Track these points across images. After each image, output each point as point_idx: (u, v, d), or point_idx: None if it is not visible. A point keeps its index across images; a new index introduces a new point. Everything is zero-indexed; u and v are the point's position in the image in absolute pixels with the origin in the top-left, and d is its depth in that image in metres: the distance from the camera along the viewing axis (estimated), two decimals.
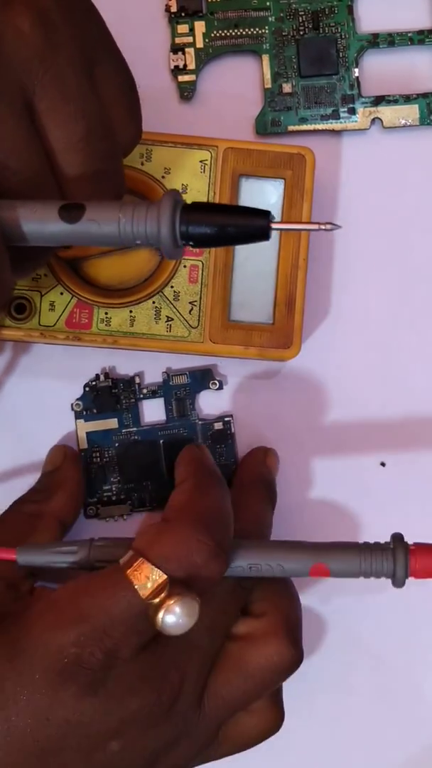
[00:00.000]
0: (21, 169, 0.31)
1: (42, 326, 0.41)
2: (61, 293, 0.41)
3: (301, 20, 0.44)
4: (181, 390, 0.43)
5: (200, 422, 0.43)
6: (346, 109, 0.44)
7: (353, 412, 0.44)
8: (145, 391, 0.43)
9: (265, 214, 0.29)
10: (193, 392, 0.43)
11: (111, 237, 0.30)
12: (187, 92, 0.44)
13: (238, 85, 0.44)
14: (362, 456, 0.44)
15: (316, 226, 0.30)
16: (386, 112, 0.44)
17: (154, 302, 0.41)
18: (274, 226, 0.30)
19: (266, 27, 0.44)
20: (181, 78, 0.44)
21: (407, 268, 0.45)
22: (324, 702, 0.44)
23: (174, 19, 0.43)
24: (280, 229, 0.30)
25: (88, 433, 0.43)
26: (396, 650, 0.44)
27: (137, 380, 0.43)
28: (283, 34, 0.44)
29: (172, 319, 0.41)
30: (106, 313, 0.41)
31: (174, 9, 0.43)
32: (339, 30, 0.44)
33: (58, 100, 0.31)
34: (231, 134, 0.42)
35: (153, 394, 0.43)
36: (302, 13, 0.44)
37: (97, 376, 0.43)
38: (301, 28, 0.44)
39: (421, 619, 0.44)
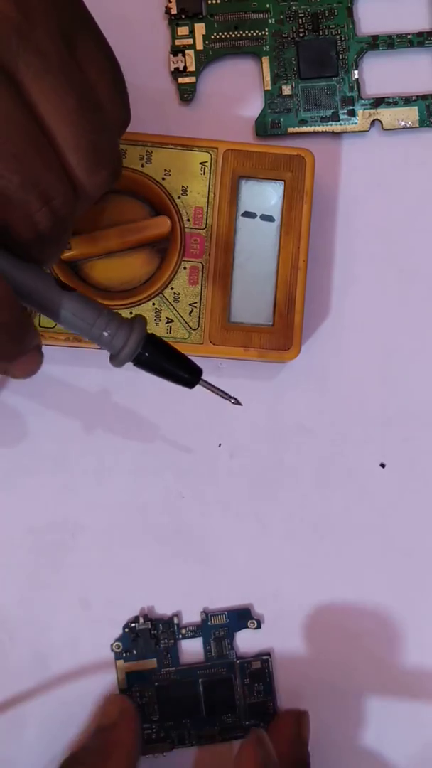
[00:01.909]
0: (14, 135, 0.30)
1: (42, 328, 0.41)
2: None
3: (300, 22, 0.44)
4: (220, 630, 0.44)
5: (238, 661, 0.44)
6: (345, 111, 0.44)
7: (353, 413, 0.45)
8: (183, 631, 0.44)
9: (199, 372, 0.36)
10: (231, 632, 0.44)
11: (80, 329, 0.34)
12: (187, 94, 0.44)
13: (237, 87, 0.44)
14: (362, 456, 0.45)
15: (227, 396, 0.37)
16: (386, 114, 0.44)
17: (154, 304, 0.41)
18: (201, 383, 0.36)
19: (266, 29, 0.44)
20: (181, 80, 0.44)
21: (407, 270, 0.45)
22: (324, 702, 0.44)
23: (174, 21, 0.44)
24: (204, 386, 0.37)
25: (127, 674, 0.43)
26: (396, 650, 0.44)
27: (176, 620, 0.44)
28: (283, 36, 0.44)
29: (173, 321, 0.41)
30: None
31: (174, 11, 0.43)
32: (339, 32, 0.44)
33: (43, 73, 0.30)
34: (231, 136, 0.42)
35: (192, 634, 0.44)
36: (302, 15, 0.44)
37: (137, 618, 0.43)
38: (301, 30, 0.44)
39: (422, 618, 0.45)
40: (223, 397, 0.37)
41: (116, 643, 0.43)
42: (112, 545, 0.44)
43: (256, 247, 0.41)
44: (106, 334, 0.34)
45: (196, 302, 0.41)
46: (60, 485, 0.44)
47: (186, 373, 0.36)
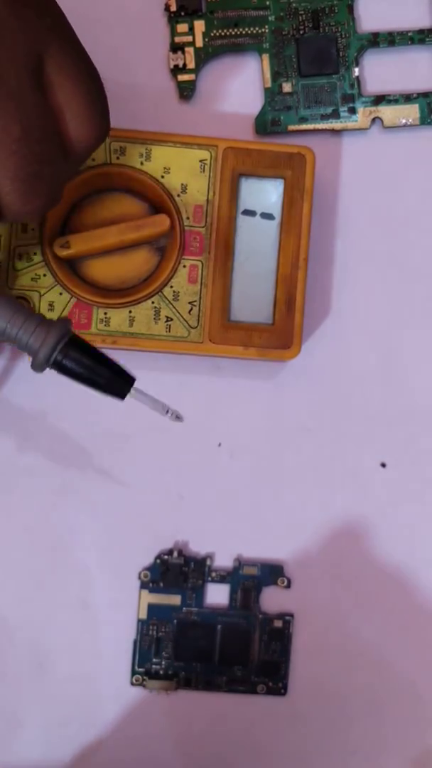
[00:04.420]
0: None
1: None
2: (60, 293, 0.41)
3: (301, 19, 0.43)
4: (249, 581, 0.44)
5: (261, 616, 0.44)
6: (346, 109, 0.44)
7: (353, 412, 0.44)
8: (213, 574, 0.44)
9: (130, 381, 0.33)
10: (260, 585, 0.44)
11: None
12: (186, 91, 0.44)
13: (237, 85, 0.44)
14: (362, 456, 0.44)
15: (163, 411, 0.34)
16: (386, 112, 0.44)
17: (153, 302, 0.41)
18: (132, 393, 0.33)
19: (266, 26, 0.43)
20: (180, 77, 0.44)
21: (407, 268, 0.44)
22: (324, 705, 0.44)
23: (173, 18, 0.43)
24: (136, 398, 0.34)
25: (149, 604, 0.43)
26: (396, 651, 0.44)
27: (208, 562, 0.44)
28: (283, 33, 0.43)
29: (172, 319, 0.41)
30: (106, 313, 0.41)
31: (173, 8, 0.43)
32: (339, 29, 0.44)
33: None
34: (231, 133, 0.42)
35: (221, 579, 0.44)
36: (302, 12, 0.43)
37: (171, 551, 0.43)
38: (301, 27, 0.43)
39: (421, 619, 0.44)
40: (159, 411, 0.34)
41: (144, 572, 0.43)
42: (111, 546, 0.44)
43: (256, 245, 0.41)
44: (20, 333, 0.32)
45: (195, 301, 0.41)
46: (59, 485, 0.44)
47: (115, 382, 0.33)
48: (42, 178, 0.31)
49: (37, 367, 0.33)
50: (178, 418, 0.35)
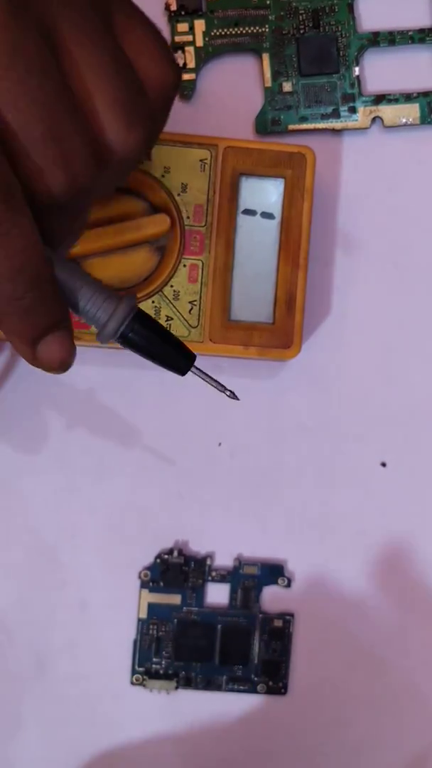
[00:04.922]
0: (46, 85, 0.29)
1: None
2: None
3: (301, 19, 0.43)
4: (249, 581, 0.44)
5: (261, 616, 0.44)
6: (346, 108, 0.44)
7: (353, 412, 0.44)
8: (214, 574, 0.44)
9: (191, 358, 0.34)
10: (260, 585, 0.44)
11: (64, 299, 0.33)
12: (186, 91, 0.44)
13: (238, 84, 0.44)
14: (362, 456, 0.44)
15: (222, 388, 0.35)
16: (387, 111, 0.44)
17: (153, 302, 0.41)
18: (193, 370, 0.34)
19: (266, 25, 0.43)
20: None
21: (407, 268, 0.44)
22: (324, 705, 0.44)
23: (174, 17, 0.43)
24: (196, 374, 0.34)
25: (149, 604, 0.43)
26: (396, 651, 0.44)
27: (208, 561, 0.44)
28: (283, 32, 0.43)
29: (172, 319, 0.41)
30: None
31: (174, 7, 0.43)
32: (339, 28, 0.44)
33: (82, 29, 0.30)
34: (231, 133, 0.42)
35: (221, 578, 0.44)
36: (302, 11, 0.43)
37: (171, 550, 0.43)
38: (302, 26, 0.43)
39: (421, 619, 0.44)
40: (217, 389, 0.35)
41: (145, 572, 0.43)
42: (111, 546, 0.44)
43: (257, 244, 0.41)
44: (89, 305, 0.32)
45: (195, 300, 0.41)
46: (59, 485, 0.44)
47: (177, 358, 0.34)
48: (138, 104, 0.31)
49: (104, 338, 0.33)
50: (234, 396, 0.35)
